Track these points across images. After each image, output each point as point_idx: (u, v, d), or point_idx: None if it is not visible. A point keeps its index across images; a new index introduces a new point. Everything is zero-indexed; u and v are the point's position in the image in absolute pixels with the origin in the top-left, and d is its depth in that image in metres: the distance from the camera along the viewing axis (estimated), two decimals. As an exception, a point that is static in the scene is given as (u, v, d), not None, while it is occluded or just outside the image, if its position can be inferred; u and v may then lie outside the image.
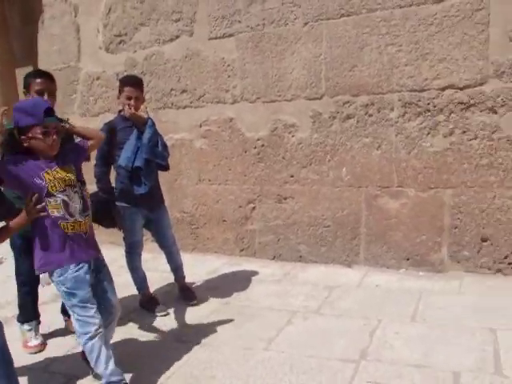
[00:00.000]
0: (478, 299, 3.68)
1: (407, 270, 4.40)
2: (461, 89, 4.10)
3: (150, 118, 3.71)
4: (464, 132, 4.11)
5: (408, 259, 4.41)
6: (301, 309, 3.79)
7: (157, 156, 3.75)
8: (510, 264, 4.07)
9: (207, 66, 5.11)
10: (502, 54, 3.95)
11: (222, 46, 5.00)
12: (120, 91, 3.76)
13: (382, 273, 4.41)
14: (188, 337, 3.46)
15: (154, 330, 3.65)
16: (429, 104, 4.19)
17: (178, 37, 5.23)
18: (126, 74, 5.19)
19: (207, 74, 5.13)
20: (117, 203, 3.70)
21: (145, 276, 4.01)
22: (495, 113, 3.99)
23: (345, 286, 4.20)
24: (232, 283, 4.45)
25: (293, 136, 4.74)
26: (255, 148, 4.95)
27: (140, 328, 3.69)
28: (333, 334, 3.34)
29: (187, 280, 4.24)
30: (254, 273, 4.68)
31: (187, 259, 4.47)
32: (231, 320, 3.67)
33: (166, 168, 3.90)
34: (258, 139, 4.93)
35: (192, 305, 4.03)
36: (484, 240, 4.10)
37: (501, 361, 2.85)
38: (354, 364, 2.94)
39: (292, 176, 4.80)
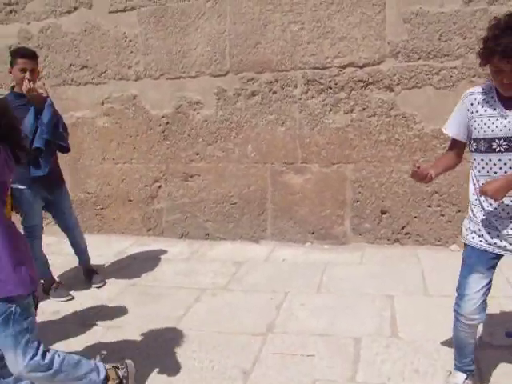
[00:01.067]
0: (378, 268, 3.87)
1: (313, 243, 4.54)
2: (360, 67, 4.24)
3: (48, 97, 3.50)
4: (364, 109, 4.26)
5: (313, 233, 4.55)
6: (209, 286, 3.80)
7: (58, 137, 3.56)
8: (406, 234, 4.31)
9: (108, 40, 4.91)
10: (397, 34, 4.13)
11: (123, 19, 4.82)
12: (12, 63, 3.51)
13: (288, 247, 4.52)
14: (93, 320, 3.37)
15: (59, 315, 3.51)
16: (330, 81, 4.30)
17: (76, 8, 4.97)
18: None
19: (108, 50, 4.93)
20: (12, 186, 3.48)
21: (46, 261, 3.83)
22: (392, 91, 4.17)
23: (252, 261, 4.26)
24: (139, 264, 4.38)
25: (198, 113, 4.69)
26: (160, 126, 4.86)
27: (43, 314, 3.54)
28: (241, 309, 3.38)
29: (93, 262, 4.11)
30: (162, 252, 4.62)
31: (93, 241, 4.33)
32: (138, 301, 3.61)
33: (67, 150, 3.73)
34: (163, 117, 4.83)
35: (98, 287, 3.92)
36: (383, 212, 4.31)
37: (397, 324, 3.04)
38: (261, 337, 3.00)
39: (198, 154, 4.76)
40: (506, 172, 2.09)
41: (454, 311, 2.31)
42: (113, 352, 2.91)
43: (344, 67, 4.27)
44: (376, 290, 3.47)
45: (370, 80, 4.22)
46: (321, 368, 2.66)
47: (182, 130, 4.79)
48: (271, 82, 4.45)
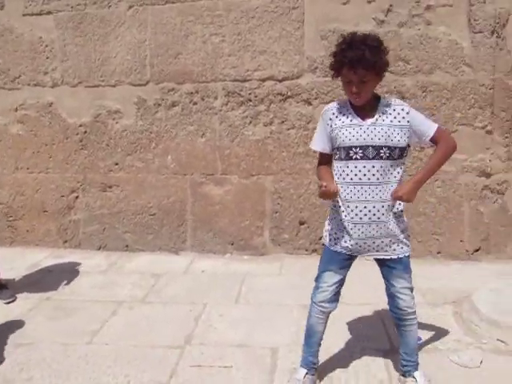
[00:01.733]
0: (296, 279, 3.94)
1: (232, 254, 4.57)
2: (280, 81, 4.34)
3: None
4: (283, 122, 4.36)
5: (233, 244, 4.58)
6: (127, 299, 3.72)
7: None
8: (323, 245, 4.41)
9: (22, 44, 4.73)
10: (315, 50, 4.26)
11: (39, 23, 4.67)
12: None
13: (208, 258, 4.52)
14: (2, 338, 3.21)
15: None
16: (250, 94, 4.37)
17: (-14, 9, 4.76)
18: None
19: (23, 54, 4.75)
20: None
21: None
22: (310, 104, 4.30)
23: (172, 273, 4.22)
24: (54, 277, 4.21)
25: (117, 123, 4.61)
26: (77, 134, 4.72)
27: None
28: (159, 322, 3.34)
29: (5, 276, 3.91)
30: (79, 264, 4.48)
31: (4, 253, 4.16)
32: (52, 316, 3.48)
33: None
34: (81, 125, 4.71)
35: (8, 303, 3.73)
36: (301, 223, 4.41)
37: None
38: (178, 350, 2.98)
39: (117, 164, 4.67)
40: (360, 179, 2.28)
41: (311, 299, 2.55)
42: (21, 371, 2.79)
43: (264, 80, 4.35)
44: (294, 300, 3.53)
45: (289, 93, 4.32)
46: (237, 379, 2.68)
47: (100, 140, 4.68)
48: (192, 93, 4.46)
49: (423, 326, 3.17)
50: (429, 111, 4.21)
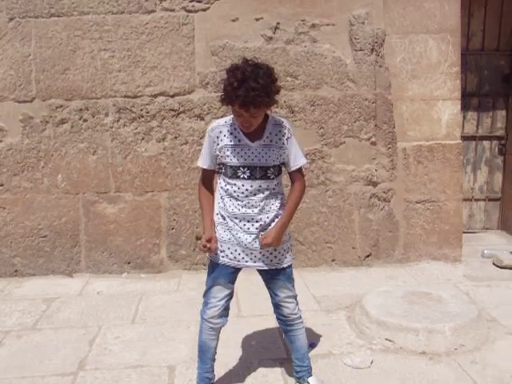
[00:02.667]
0: (194, 294, 3.90)
1: (129, 273, 4.45)
2: (171, 96, 4.33)
3: None
4: (176, 137, 4.34)
5: (129, 263, 4.47)
6: (15, 327, 3.50)
7: None
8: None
9: None
10: (206, 66, 4.30)
11: None
12: None
13: (104, 279, 4.37)
14: None
15: None
16: (142, 110, 4.31)
17: None
18: None
19: None
20: None
21: None
22: (202, 119, 4.32)
23: (65, 296, 4.03)
24: None
25: (1, 141, 4.36)
26: (-44, 155, 4.42)
27: None
28: (50, 349, 3.17)
29: None
30: (-40, 294, 4.17)
31: None
32: None
33: None
34: (-40, 145, 4.41)
35: None
36: (198, 238, 4.39)
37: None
38: (71, 376, 2.84)
39: (2, 185, 4.40)
40: (247, 196, 2.34)
41: (201, 315, 2.54)
42: None
43: (155, 96, 4.32)
44: (191, 316, 3.49)
45: (181, 109, 4.32)
46: (134, 401, 2.61)
47: (-18, 159, 4.41)
48: (81, 110, 4.33)
49: (318, 333, 3.29)
50: (317, 124, 4.39)
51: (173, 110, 4.32)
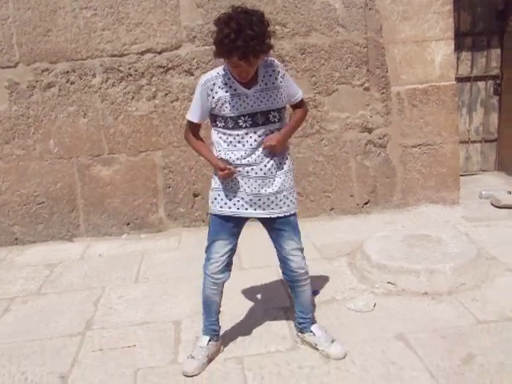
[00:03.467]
0: (195, 251, 3.87)
1: (129, 234, 4.46)
2: (159, 53, 4.24)
3: None
4: (166, 94, 4.27)
5: (128, 224, 4.47)
6: (20, 293, 3.53)
7: None
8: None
9: None
10: (192, 19, 4.19)
11: None
12: None
13: (104, 241, 4.38)
14: None
15: None
16: (130, 68, 4.23)
17: None
18: None
19: None
20: None
21: None
22: (192, 75, 4.23)
23: (67, 261, 4.05)
24: None
25: (-12, 109, 4.29)
26: None
27: None
28: (56, 312, 3.20)
29: None
30: (-37, 264, 4.18)
31: None
32: None
33: None
34: None
35: None
36: (195, 195, 4.39)
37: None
38: (79, 337, 2.88)
39: (-6, 153, 4.36)
40: (251, 145, 2.30)
41: (203, 270, 2.54)
42: None
43: (142, 53, 4.22)
44: (193, 272, 3.48)
45: (169, 65, 4.23)
46: (142, 357, 2.64)
47: (-29, 129, 4.34)
48: (68, 72, 4.23)
49: (321, 280, 3.31)
50: (309, 72, 4.31)
51: (161, 66, 4.23)
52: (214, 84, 2.27)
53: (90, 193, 4.41)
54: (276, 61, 2.38)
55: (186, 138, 2.50)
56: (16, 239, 4.50)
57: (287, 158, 2.44)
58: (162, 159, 4.37)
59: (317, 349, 2.54)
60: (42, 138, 4.32)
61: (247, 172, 2.33)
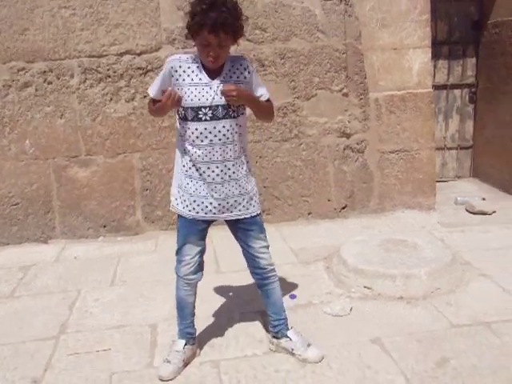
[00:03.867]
0: (171, 253, 3.81)
1: (106, 236, 4.41)
2: (138, 54, 4.21)
3: None
4: (145, 96, 4.21)
5: (105, 226, 4.42)
6: (-8, 296, 3.47)
7: None
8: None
9: None
10: (172, 21, 4.19)
11: None
12: None
13: (80, 244, 4.33)
14: None
15: None
16: (109, 70, 4.19)
17: None
18: None
19: None
20: None
21: None
22: (171, 77, 4.21)
23: (42, 263, 3.99)
24: None
25: (-38, 108, 4.21)
26: None
27: None
28: (30, 315, 3.15)
29: None
30: None
31: None
32: None
33: None
34: None
35: None
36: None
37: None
38: (53, 340, 2.83)
39: (-32, 153, 4.28)
40: (211, 140, 2.26)
41: (176, 273, 2.52)
42: None
43: (121, 55, 4.19)
44: (170, 275, 3.34)
45: (148, 67, 4.21)
46: (117, 360, 2.61)
47: None
48: (45, 72, 4.18)
49: (298, 284, 3.33)
50: (288, 77, 4.33)
51: (140, 68, 4.21)
52: (180, 67, 2.23)
53: (66, 194, 4.35)
54: (246, 58, 2.37)
55: (150, 113, 2.49)
56: (-11, 241, 4.42)
57: (247, 161, 2.43)
58: (139, 161, 4.34)
59: (293, 354, 2.54)
60: (17, 138, 4.26)
61: (210, 172, 2.29)
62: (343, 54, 4.37)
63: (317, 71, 4.37)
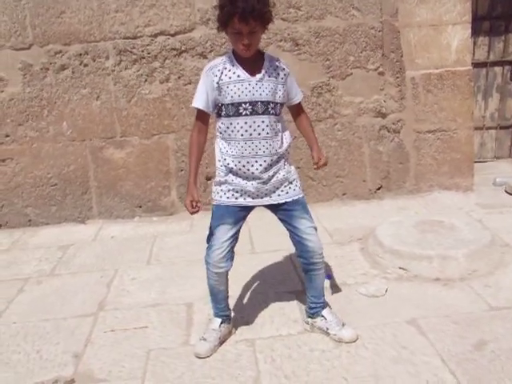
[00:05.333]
0: (207, 234, 3.93)
1: (141, 217, 4.48)
2: (172, 35, 4.21)
3: None
4: (179, 77, 4.25)
5: (141, 206, 4.49)
6: (33, 274, 3.57)
7: None
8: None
9: None
10: (206, 1, 4.15)
11: None
12: None
13: (116, 224, 4.41)
14: None
15: None
16: (143, 51, 4.21)
17: None
18: None
19: None
20: None
21: None
22: (205, 58, 4.20)
23: (80, 242, 4.08)
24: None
25: (2, 91, 4.28)
26: (-41, 107, 4.37)
27: None
28: (69, 293, 3.23)
29: None
30: (-24, 246, 4.23)
31: None
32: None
33: None
34: (-38, 97, 4.35)
35: None
36: (208, 178, 4.38)
37: (227, 284, 3.13)
38: (92, 317, 2.91)
39: (8, 135, 4.37)
40: (251, 134, 2.30)
41: (205, 260, 2.50)
42: None
43: (156, 36, 4.20)
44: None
45: (183, 48, 4.21)
46: (154, 338, 2.66)
47: (-15, 111, 4.36)
48: (81, 54, 4.23)
49: (333, 265, 3.32)
50: (323, 56, 4.27)
51: (174, 49, 4.21)
52: (219, 70, 2.28)
53: (102, 175, 4.43)
54: (282, 60, 2.43)
55: (191, 131, 2.47)
56: (29, 221, 4.53)
57: (287, 154, 2.46)
58: (174, 142, 4.37)
59: (328, 333, 2.54)
60: (55, 120, 4.34)
61: (252, 165, 2.33)
62: (379, 31, 4.28)
63: (352, 50, 4.29)
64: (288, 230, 2.51)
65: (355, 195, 4.54)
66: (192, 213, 2.41)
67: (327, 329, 2.55)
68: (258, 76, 2.28)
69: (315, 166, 2.53)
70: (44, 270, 3.62)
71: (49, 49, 4.22)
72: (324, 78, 4.30)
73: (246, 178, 2.36)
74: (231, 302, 2.66)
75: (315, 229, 2.50)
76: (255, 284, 3.16)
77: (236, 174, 2.36)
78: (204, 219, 4.17)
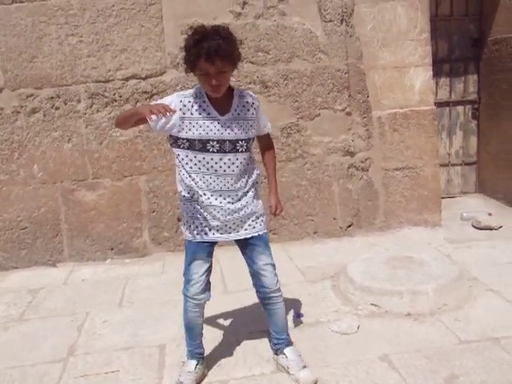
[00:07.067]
0: (179, 275, 3.83)
1: (113, 259, 4.44)
2: (143, 78, 4.29)
3: None
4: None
5: (112, 249, 4.45)
6: (1, 319, 3.48)
7: None
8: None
9: None
10: (176, 45, 4.23)
11: None
12: None
13: (88, 266, 4.36)
14: None
15: None
16: (115, 94, 4.27)
17: None
18: None
19: None
20: None
21: None
22: (175, 100, 4.28)
23: (50, 286, 4.01)
24: None
25: (-28, 134, 4.29)
26: None
27: None
28: (38, 338, 3.17)
29: None
30: None
31: None
32: None
33: None
34: None
35: None
36: (180, 220, 4.38)
37: (200, 325, 3.11)
38: (61, 363, 2.85)
39: (-23, 179, 4.34)
40: (216, 170, 2.32)
41: (183, 294, 2.53)
42: None
43: (127, 79, 4.27)
44: (178, 296, 3.40)
45: (154, 91, 4.28)
46: (126, 382, 2.62)
47: (-45, 154, 4.33)
48: (53, 98, 4.26)
49: (306, 303, 3.34)
50: (292, 98, 4.39)
51: (146, 92, 4.28)
52: (190, 102, 2.27)
53: (74, 217, 4.40)
54: (251, 93, 2.45)
55: (117, 120, 2.40)
56: (-2, 265, 4.46)
57: (255, 190, 2.49)
58: (146, 184, 4.39)
59: (288, 372, 2.54)
60: (25, 162, 4.32)
61: (218, 198, 2.36)
62: (345, 73, 4.42)
63: (320, 91, 4.43)
64: (247, 262, 2.55)
65: (326, 233, 4.59)
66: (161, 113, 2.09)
67: (288, 368, 2.55)
68: (227, 116, 2.30)
69: (271, 214, 2.61)
70: (12, 315, 3.54)
71: (20, 92, 4.25)
72: (293, 118, 4.41)
73: (213, 212, 2.37)
74: (204, 343, 2.64)
75: (273, 266, 2.54)
76: (228, 323, 3.15)
77: (199, 206, 2.37)
78: (176, 261, 4.22)
